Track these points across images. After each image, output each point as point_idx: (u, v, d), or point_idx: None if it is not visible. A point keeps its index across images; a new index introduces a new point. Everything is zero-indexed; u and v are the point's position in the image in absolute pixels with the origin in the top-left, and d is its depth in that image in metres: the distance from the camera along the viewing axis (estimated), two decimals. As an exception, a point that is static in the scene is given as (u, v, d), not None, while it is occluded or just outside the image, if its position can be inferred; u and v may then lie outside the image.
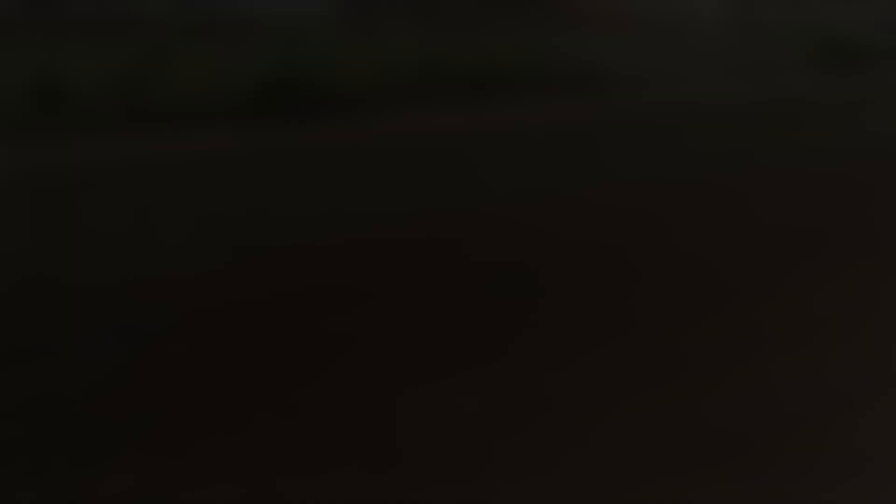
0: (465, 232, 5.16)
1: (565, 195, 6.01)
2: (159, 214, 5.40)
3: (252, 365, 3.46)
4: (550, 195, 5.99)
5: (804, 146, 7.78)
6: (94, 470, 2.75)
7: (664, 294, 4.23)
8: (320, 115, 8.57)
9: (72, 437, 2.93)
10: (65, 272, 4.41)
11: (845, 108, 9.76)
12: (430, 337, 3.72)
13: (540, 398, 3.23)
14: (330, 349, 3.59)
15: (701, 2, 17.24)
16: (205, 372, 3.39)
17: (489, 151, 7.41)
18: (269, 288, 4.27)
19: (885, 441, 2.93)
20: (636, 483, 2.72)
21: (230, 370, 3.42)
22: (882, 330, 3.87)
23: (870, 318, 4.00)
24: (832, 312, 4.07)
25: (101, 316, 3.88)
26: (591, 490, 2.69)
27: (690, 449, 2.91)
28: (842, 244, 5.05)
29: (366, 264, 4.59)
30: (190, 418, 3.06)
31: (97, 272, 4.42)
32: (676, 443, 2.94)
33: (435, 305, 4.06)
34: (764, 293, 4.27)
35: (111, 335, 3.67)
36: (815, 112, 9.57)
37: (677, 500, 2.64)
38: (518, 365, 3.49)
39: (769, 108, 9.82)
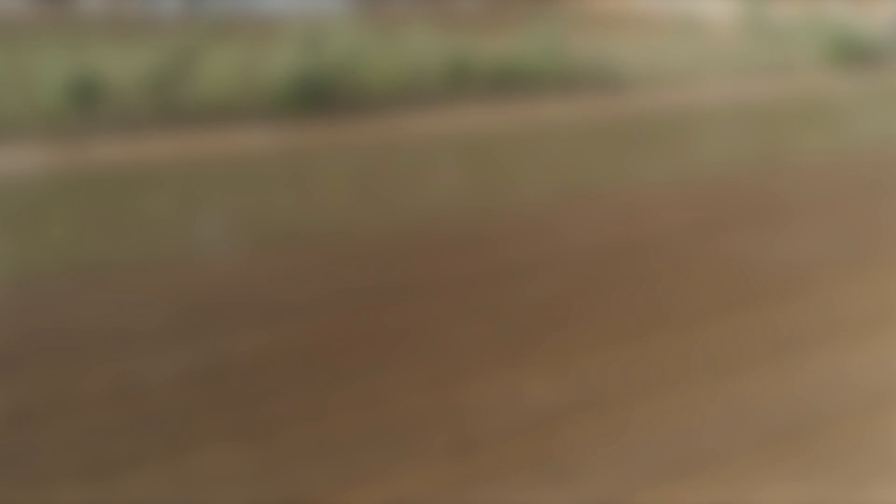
0: (496, 229, 5.25)
1: (589, 193, 6.09)
2: (196, 211, 5.50)
3: (320, 359, 3.57)
4: (575, 193, 6.08)
5: (820, 144, 7.86)
6: (192, 454, 2.87)
7: (692, 290, 4.33)
8: (347, 113, 8.68)
9: (166, 423, 3.05)
10: (108, 266, 4.52)
11: (860, 107, 9.83)
12: (483, 330, 3.83)
13: (593, 385, 3.35)
14: (389, 343, 3.69)
15: (716, 1, 17.29)
16: (279, 365, 3.50)
17: (513, 149, 7.49)
18: (315, 284, 4.37)
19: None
20: (696, 470, 2.84)
21: (302, 364, 3.53)
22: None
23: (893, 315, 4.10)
24: (857, 309, 4.17)
25: (157, 309, 3.99)
26: (650, 475, 2.81)
27: (732, 439, 3.03)
28: (860, 241, 5.13)
29: (406, 261, 4.68)
30: (272, 408, 3.18)
31: (141, 269, 4.53)
32: (730, 429, 3.05)
33: (481, 299, 4.16)
34: (790, 289, 4.37)
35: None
36: (829, 110, 9.64)
37: (732, 486, 2.77)
38: (568, 354, 3.60)
39: (784, 106, 9.89)
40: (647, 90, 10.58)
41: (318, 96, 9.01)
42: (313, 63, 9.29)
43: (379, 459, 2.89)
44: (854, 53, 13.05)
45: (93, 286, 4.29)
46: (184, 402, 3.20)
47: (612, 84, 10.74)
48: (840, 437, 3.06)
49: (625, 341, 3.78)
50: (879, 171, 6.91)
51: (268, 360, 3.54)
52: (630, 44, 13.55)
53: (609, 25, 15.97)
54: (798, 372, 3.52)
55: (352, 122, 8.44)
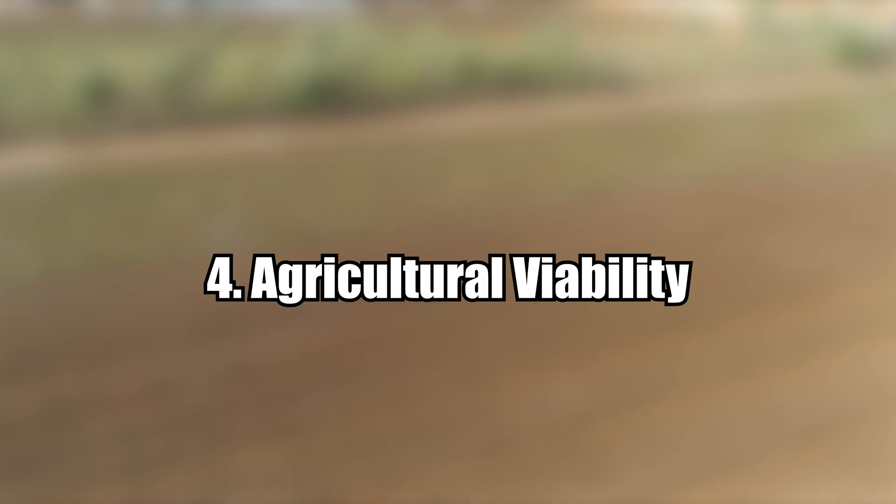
0: (513, 229, 5.27)
1: (604, 193, 6.11)
2: (213, 210, 5.52)
3: (349, 358, 3.59)
4: (591, 193, 6.09)
5: (829, 144, 7.87)
6: (226, 454, 2.89)
7: (714, 290, 4.35)
8: (359, 113, 8.70)
9: (199, 422, 3.07)
10: (129, 265, 4.54)
11: (867, 107, 9.84)
12: (509, 329, 3.84)
13: (621, 384, 3.37)
14: (417, 342, 3.71)
15: (722, 2, 17.31)
16: (309, 364, 3.52)
17: (525, 149, 7.51)
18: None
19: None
20: (726, 469, 2.86)
21: (331, 364, 3.54)
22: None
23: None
24: (881, 308, 4.18)
25: (182, 308, 4.01)
26: (682, 475, 2.83)
27: (769, 435, 3.04)
28: (877, 240, 5.15)
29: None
30: (304, 408, 3.20)
31: (162, 268, 4.55)
32: (759, 429, 3.07)
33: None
34: (812, 289, 4.38)
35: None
36: (837, 111, 9.65)
37: (762, 486, 2.79)
38: (595, 354, 3.62)
39: (792, 107, 9.90)
40: (655, 90, 10.60)
41: (329, 96, 9.03)
42: (324, 63, 9.31)
43: (412, 458, 2.91)
44: (859, 54, 13.06)
45: (116, 285, 4.31)
46: (216, 401, 3.23)
47: (622, 84, 10.76)
48: (869, 436, 3.08)
49: (652, 341, 3.80)
50: (890, 171, 6.93)
51: (297, 360, 3.56)
52: (637, 44, 13.57)
53: (615, 25, 15.99)
54: (824, 371, 3.55)
55: (364, 122, 8.45)
